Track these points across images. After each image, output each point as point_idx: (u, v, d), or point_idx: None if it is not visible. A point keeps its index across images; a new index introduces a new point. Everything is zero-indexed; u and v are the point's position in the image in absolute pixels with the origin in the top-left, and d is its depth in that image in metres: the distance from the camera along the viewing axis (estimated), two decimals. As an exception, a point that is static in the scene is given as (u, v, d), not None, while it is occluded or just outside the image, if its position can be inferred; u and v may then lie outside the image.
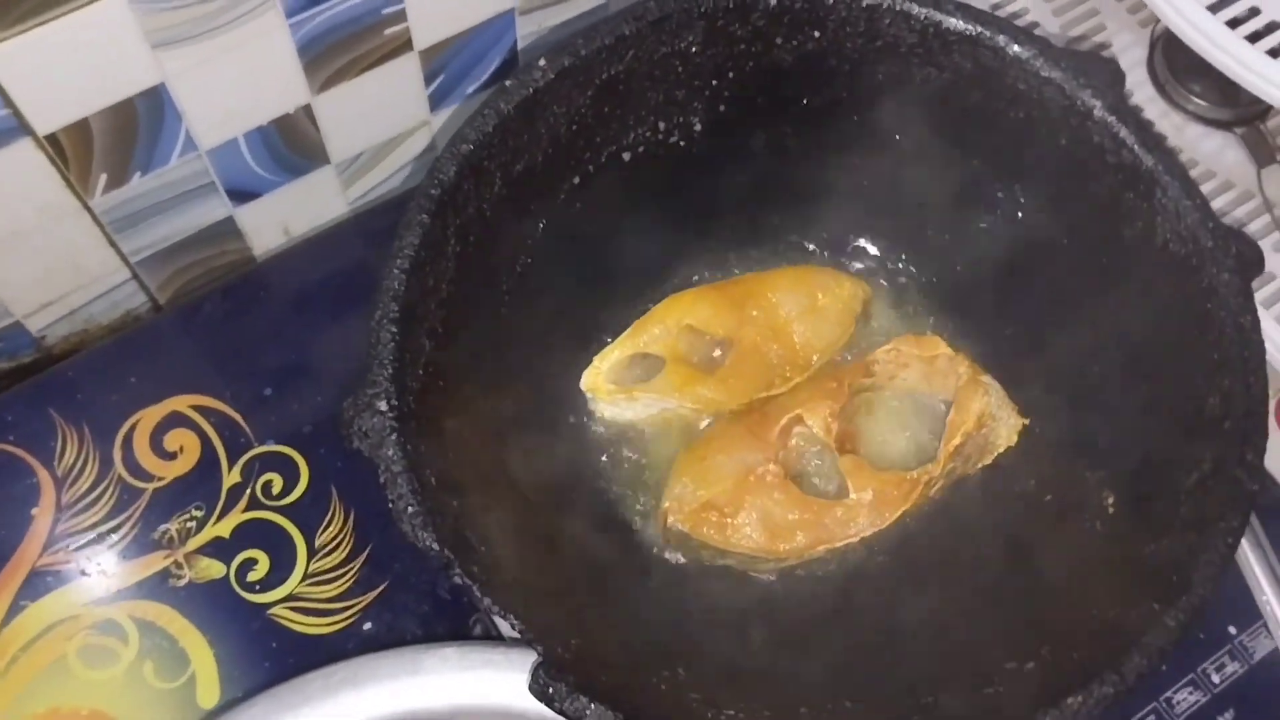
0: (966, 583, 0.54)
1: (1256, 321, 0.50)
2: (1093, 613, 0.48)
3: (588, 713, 0.43)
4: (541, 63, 0.53)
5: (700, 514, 0.53)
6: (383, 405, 0.47)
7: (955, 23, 0.55)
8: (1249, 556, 0.62)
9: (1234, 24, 0.57)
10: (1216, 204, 0.70)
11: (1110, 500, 0.52)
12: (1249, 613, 0.62)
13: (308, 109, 0.67)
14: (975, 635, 0.51)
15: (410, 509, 0.46)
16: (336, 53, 0.65)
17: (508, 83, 0.53)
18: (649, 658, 0.49)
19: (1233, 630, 0.61)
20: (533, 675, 0.44)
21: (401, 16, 0.65)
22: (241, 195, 0.71)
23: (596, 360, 0.56)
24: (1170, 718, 0.59)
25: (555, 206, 0.57)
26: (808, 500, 0.53)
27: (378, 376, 0.48)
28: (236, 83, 0.63)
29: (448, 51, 0.69)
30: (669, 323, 0.57)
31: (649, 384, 0.56)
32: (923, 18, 0.55)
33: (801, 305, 0.59)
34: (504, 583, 0.47)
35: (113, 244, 0.68)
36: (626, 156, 0.58)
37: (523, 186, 0.55)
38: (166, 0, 0.55)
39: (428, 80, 0.70)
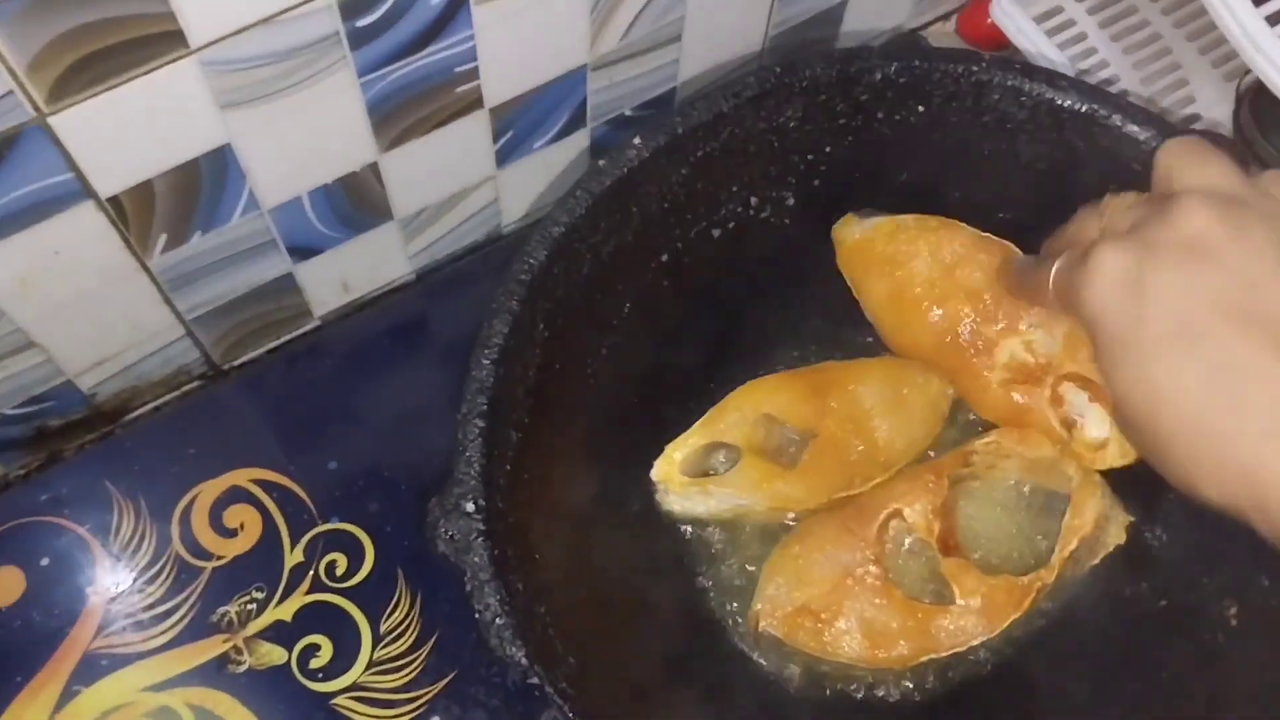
0: (1078, 690, 0.51)
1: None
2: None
3: None
4: (637, 141, 0.50)
5: (795, 618, 0.50)
6: (470, 507, 0.45)
7: (1069, 100, 0.52)
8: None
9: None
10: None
11: (1233, 611, 0.49)
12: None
13: (374, 167, 0.65)
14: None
15: (499, 621, 0.43)
16: (407, 111, 0.63)
17: (601, 162, 0.50)
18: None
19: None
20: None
21: (474, 75, 0.63)
22: (302, 252, 0.69)
23: (670, 448, 0.53)
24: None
25: (643, 286, 0.54)
26: (911, 606, 0.50)
27: (464, 474, 0.45)
28: (303, 141, 0.61)
29: (518, 109, 0.67)
30: (746, 410, 0.53)
31: (724, 477, 0.52)
32: (1034, 94, 0.53)
33: (885, 399, 0.55)
34: (590, 693, 0.44)
35: (168, 302, 0.66)
36: (716, 233, 0.56)
37: (612, 267, 0.52)
38: (240, 61, 0.53)
39: (496, 136, 0.68)
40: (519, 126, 0.68)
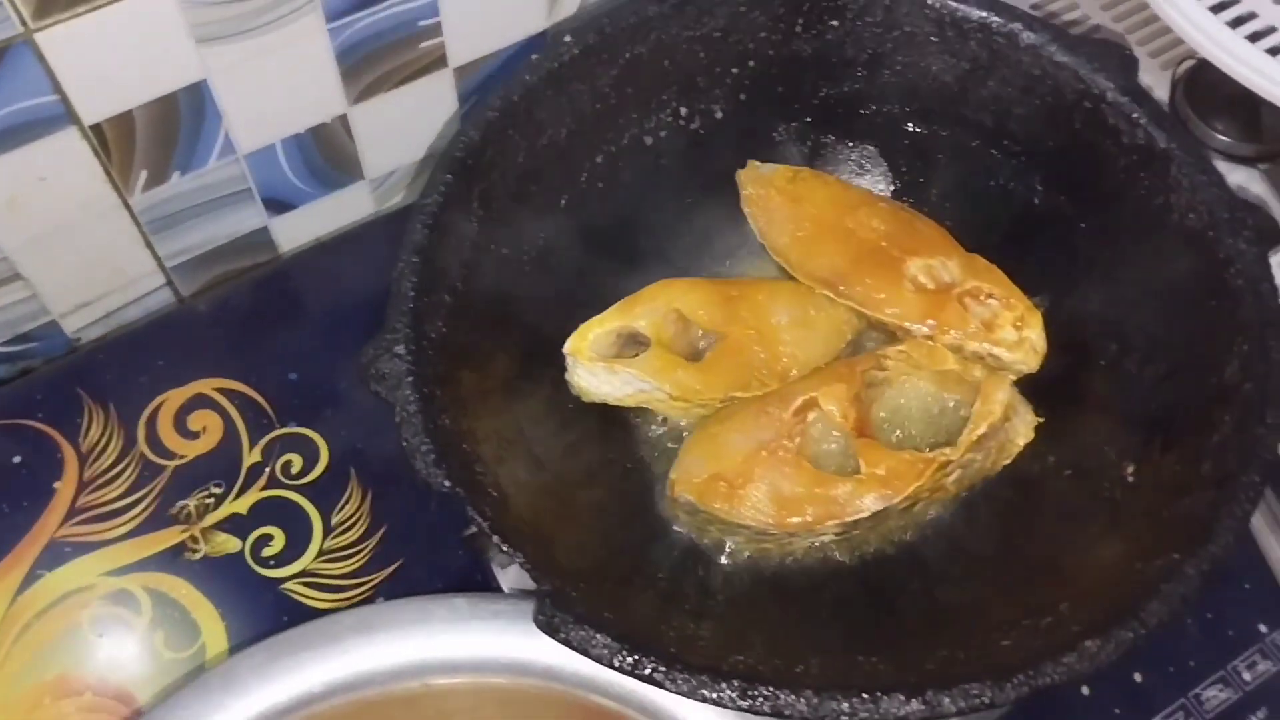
0: (985, 554, 0.53)
1: (1274, 289, 0.51)
2: (1112, 569, 0.47)
3: (593, 642, 0.42)
4: (567, 38, 0.55)
5: (708, 485, 0.53)
6: (401, 349, 0.48)
7: (971, 11, 0.57)
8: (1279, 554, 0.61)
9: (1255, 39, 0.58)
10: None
11: (1130, 470, 0.52)
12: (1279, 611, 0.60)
13: (344, 119, 0.69)
14: (993, 597, 0.50)
15: (424, 447, 0.46)
16: (374, 62, 0.67)
17: (534, 57, 0.54)
18: (658, 609, 0.49)
19: (1263, 629, 0.60)
20: (538, 606, 0.44)
21: (437, 30, 0.67)
22: (277, 205, 0.72)
23: (583, 327, 0.55)
24: (1200, 715, 0.57)
25: (577, 184, 0.58)
26: (818, 475, 0.53)
27: (397, 323, 0.49)
28: (276, 86, 0.65)
29: (480, 71, 0.71)
30: (658, 303, 0.56)
31: (629, 360, 0.55)
32: (938, 6, 0.57)
33: (792, 316, 0.58)
34: (513, 526, 0.47)
35: (150, 246, 0.70)
36: (648, 140, 0.60)
37: (546, 161, 0.56)
38: (213, -5, 0.58)
39: (461, 99, 0.72)
40: (483, 90, 0.73)
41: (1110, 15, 0.83)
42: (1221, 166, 0.75)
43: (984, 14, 0.56)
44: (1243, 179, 0.75)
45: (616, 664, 0.42)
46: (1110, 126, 0.55)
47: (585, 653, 0.43)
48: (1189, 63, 0.79)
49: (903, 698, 0.41)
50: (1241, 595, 0.61)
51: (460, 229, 0.52)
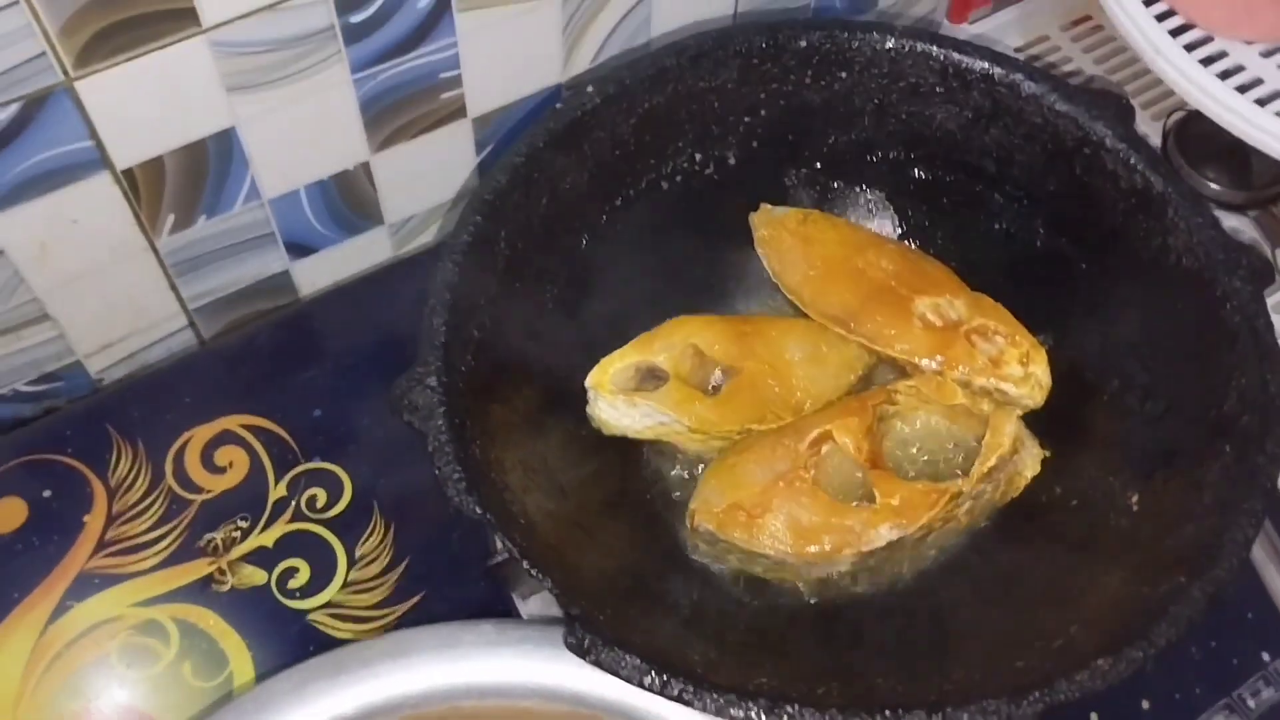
0: (995, 583, 0.55)
1: (1270, 324, 0.53)
2: (1119, 594, 0.49)
3: (623, 663, 0.44)
4: (590, 89, 0.57)
5: (728, 514, 0.55)
6: (433, 381, 0.50)
7: (974, 63, 0.60)
8: None
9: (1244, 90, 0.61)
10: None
11: (1134, 499, 0.54)
12: (1281, 641, 0.62)
13: (366, 167, 0.72)
14: (1004, 622, 0.52)
15: (456, 475, 0.48)
16: (396, 112, 0.69)
17: (558, 105, 0.57)
18: (681, 635, 0.50)
19: (1266, 657, 0.61)
20: (568, 629, 0.45)
21: (457, 82, 0.70)
22: (299, 249, 0.74)
23: (604, 361, 0.57)
24: (1207, 742, 0.59)
25: (598, 225, 0.60)
26: (835, 505, 0.55)
27: (429, 357, 0.51)
28: (302, 134, 0.67)
29: (497, 121, 0.73)
30: (675, 338, 0.58)
31: (649, 393, 0.57)
32: (942, 58, 0.60)
33: (805, 352, 0.60)
34: (540, 553, 0.49)
35: (174, 288, 0.72)
36: (665, 186, 0.62)
37: (569, 204, 0.59)
38: (246, 45, 0.60)
39: (479, 148, 0.75)
40: (499, 140, 0.75)
41: (1103, 68, 0.86)
42: (1215, 213, 0.79)
43: (986, 65, 0.59)
44: (1234, 225, 0.78)
45: (646, 684, 0.44)
46: (1109, 171, 0.58)
47: (615, 673, 0.44)
48: (1179, 114, 0.82)
49: (923, 714, 0.43)
50: (1245, 625, 0.62)
51: (488, 268, 0.54)
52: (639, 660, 0.44)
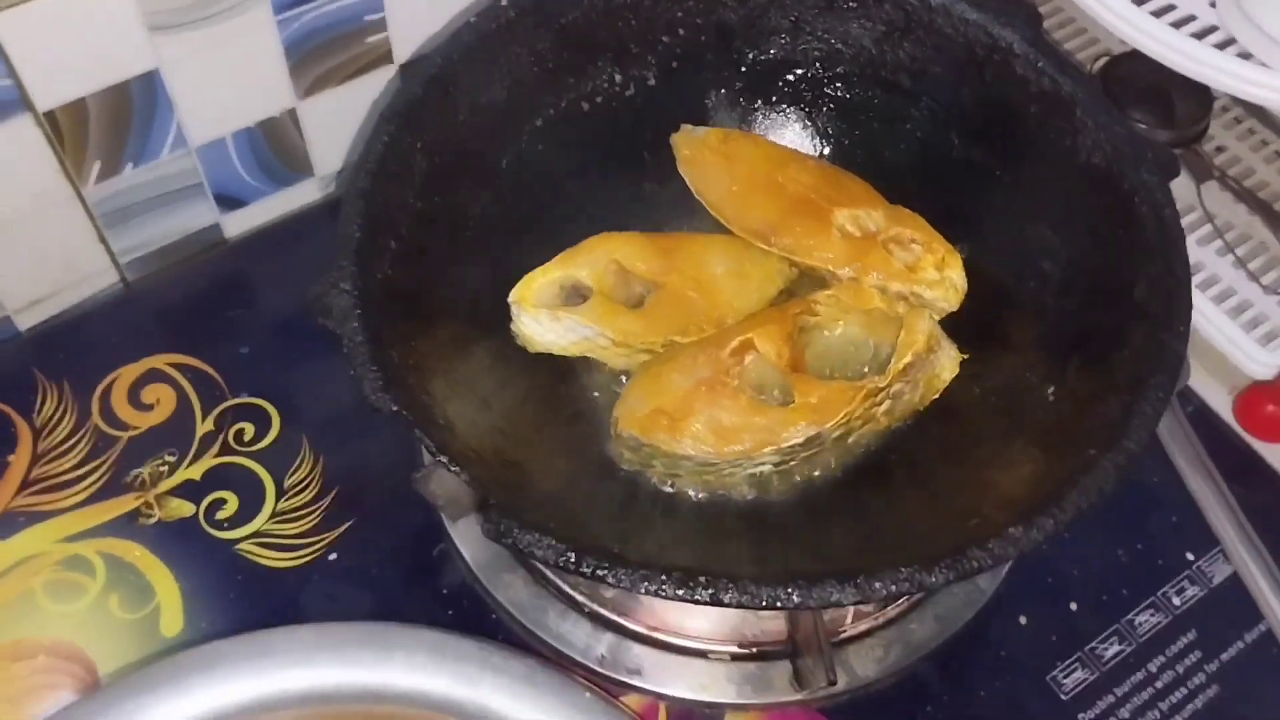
0: (915, 479, 0.55)
1: (1175, 212, 0.54)
2: (1035, 474, 0.49)
3: (539, 544, 0.44)
4: (504, 2, 0.57)
5: (650, 419, 0.55)
6: (347, 285, 0.50)
7: (900, -26, 0.60)
8: (1204, 487, 0.64)
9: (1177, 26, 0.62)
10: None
11: (1050, 391, 0.54)
12: (1206, 540, 0.62)
13: (293, 114, 0.72)
14: (922, 510, 0.52)
15: (372, 373, 0.48)
16: (321, 56, 0.69)
17: (472, 19, 0.57)
18: (606, 532, 0.50)
19: (1190, 556, 0.62)
20: (485, 517, 0.45)
21: (382, 26, 0.70)
22: (229, 201, 0.74)
23: (527, 277, 0.57)
24: (1133, 639, 0.60)
25: (520, 145, 0.60)
26: (755, 405, 0.55)
27: (343, 261, 0.50)
28: (227, 78, 0.67)
29: (425, 69, 0.73)
30: (598, 254, 0.58)
31: (572, 308, 0.57)
32: (861, -31, 0.61)
33: (728, 266, 0.60)
34: (460, 453, 0.48)
35: (103, 240, 0.71)
36: (586, 106, 0.62)
37: (488, 121, 0.59)
38: (164, -20, 0.60)
39: (408, 97, 0.75)
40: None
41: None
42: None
43: (909, -11, 0.60)
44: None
45: (561, 563, 0.44)
46: (1019, 77, 0.58)
47: (531, 554, 0.44)
48: (1105, 58, 0.83)
49: (835, 581, 0.43)
50: (1170, 526, 0.63)
51: (404, 179, 0.54)
52: (554, 541, 0.44)
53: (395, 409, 0.47)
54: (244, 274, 0.72)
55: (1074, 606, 0.60)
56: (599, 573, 0.44)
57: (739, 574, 0.44)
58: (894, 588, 0.44)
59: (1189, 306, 0.51)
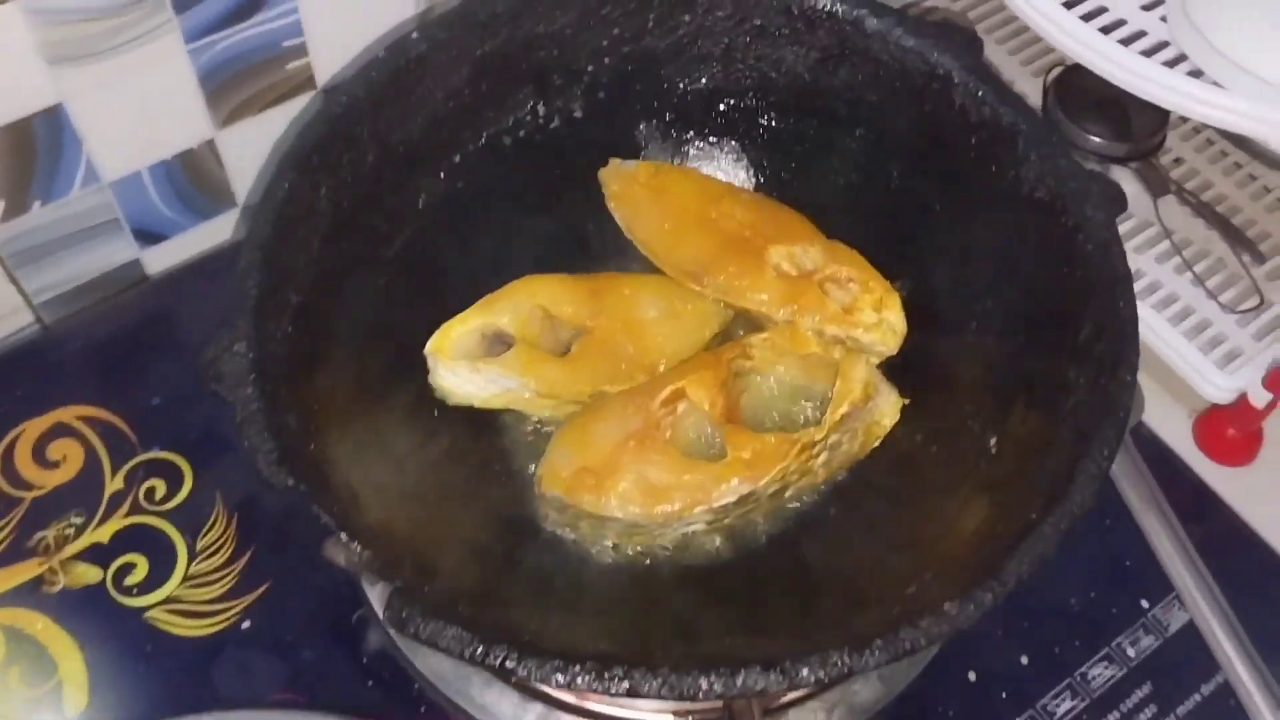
0: (856, 536, 0.53)
1: (1122, 251, 0.51)
2: (975, 536, 0.47)
3: (443, 634, 0.41)
4: (414, 34, 0.54)
5: (576, 478, 0.52)
6: (241, 347, 0.46)
7: (815, 1, 0.57)
8: (1158, 530, 0.61)
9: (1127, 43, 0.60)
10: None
11: (993, 441, 0.52)
12: (1161, 586, 0.60)
13: (212, 144, 0.68)
14: (861, 575, 0.50)
15: (267, 446, 0.45)
16: (239, 85, 0.66)
17: (381, 53, 0.54)
18: (526, 609, 0.47)
19: (1145, 604, 0.60)
20: (388, 602, 0.42)
21: (302, 51, 0.67)
22: (148, 236, 0.71)
23: (445, 326, 0.54)
24: (1086, 693, 0.57)
25: (436, 183, 0.57)
26: (686, 462, 0.52)
27: (239, 321, 0.47)
28: (138, 110, 0.64)
29: (352, 92, 0.70)
30: (520, 299, 0.56)
31: (492, 359, 0.54)
32: (791, -4, 0.58)
33: (660, 309, 0.58)
34: (366, 526, 0.45)
35: (14, 280, 0.68)
36: (508, 140, 0.59)
37: (401, 160, 0.55)
38: (65, 12, 0.57)
39: (333, 123, 0.72)
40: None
41: (982, 26, 0.84)
42: (1096, 167, 0.77)
43: (830, 2, 0.57)
44: (1116, 178, 0.76)
45: (467, 655, 0.41)
46: (958, 106, 0.56)
47: (435, 646, 0.41)
48: (1059, 68, 0.81)
49: (760, 669, 0.40)
50: (1123, 573, 0.61)
51: (308, 227, 0.51)
52: (461, 631, 0.41)
53: (291, 483, 0.44)
54: (165, 313, 0.69)
55: (1025, 660, 0.58)
56: (507, 665, 0.41)
57: (659, 661, 0.41)
58: (822, 673, 0.41)
59: (1136, 352, 0.48)
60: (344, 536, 0.44)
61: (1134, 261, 0.68)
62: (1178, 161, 0.77)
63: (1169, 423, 0.68)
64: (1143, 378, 0.66)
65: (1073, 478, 0.45)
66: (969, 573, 0.44)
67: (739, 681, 0.40)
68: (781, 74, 0.60)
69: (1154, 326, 0.67)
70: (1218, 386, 0.65)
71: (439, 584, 0.45)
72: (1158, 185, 0.75)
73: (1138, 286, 0.67)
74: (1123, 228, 0.72)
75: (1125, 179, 0.76)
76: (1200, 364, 0.66)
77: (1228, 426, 0.68)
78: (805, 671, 0.41)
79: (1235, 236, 0.72)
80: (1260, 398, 0.64)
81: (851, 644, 0.41)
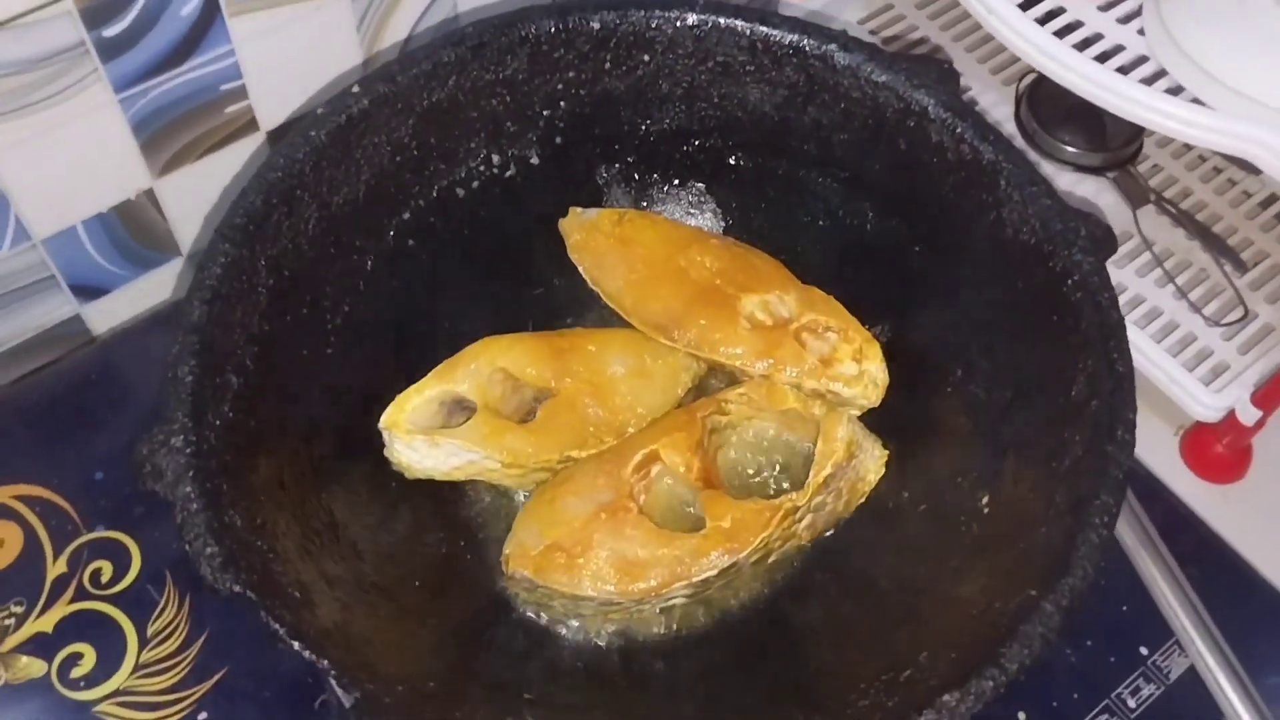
0: (846, 604, 0.50)
1: (1114, 299, 0.49)
2: (971, 610, 0.44)
3: (406, 755, 0.38)
4: (355, 89, 0.51)
5: (545, 557, 0.49)
6: (178, 441, 0.43)
7: (783, 35, 0.55)
8: (1155, 574, 0.59)
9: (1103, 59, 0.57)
10: (1097, 244, 0.70)
11: (985, 500, 0.49)
12: (1160, 632, 0.58)
13: (151, 194, 0.65)
14: (854, 652, 0.47)
15: (209, 549, 0.42)
16: (176, 132, 0.63)
17: (319, 110, 0.51)
18: (498, 702, 0.45)
19: (1145, 651, 0.58)
20: (342, 717, 0.39)
21: (242, 94, 0.64)
22: (88, 291, 0.68)
23: (400, 398, 0.52)
24: (1088, 749, 0.55)
25: (384, 243, 0.54)
26: (662, 534, 0.49)
27: (175, 413, 0.44)
28: (69, 163, 0.61)
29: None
30: (480, 363, 0.53)
31: (451, 430, 0.52)
32: (749, 33, 0.55)
33: (629, 366, 0.55)
34: (321, 628, 0.42)
35: (-57, 348, 0.65)
36: (461, 192, 0.56)
37: (345, 221, 0.52)
38: (-22, 68, 0.54)
39: (281, 164, 0.68)
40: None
41: (950, 34, 0.82)
42: (1071, 177, 0.75)
43: (796, 37, 0.54)
44: (1093, 189, 0.75)
45: (433, 774, 0.38)
46: (935, 143, 0.53)
47: (399, 765, 0.38)
48: (1031, 77, 0.79)
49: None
50: (1120, 619, 0.59)
51: (247, 302, 0.48)
52: (425, 749, 0.38)
53: (238, 589, 0.41)
54: (109, 377, 0.65)
55: (1023, 717, 0.56)
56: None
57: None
58: (816, 778, 0.38)
59: (1134, 409, 0.46)
60: (299, 646, 0.41)
61: (1115, 276, 0.67)
62: (1156, 169, 0.75)
63: (1151, 441, 0.66)
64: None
65: (1072, 552, 0.43)
66: (967, 653, 0.42)
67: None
68: (748, 113, 0.57)
69: (1138, 344, 0.65)
70: (1206, 406, 0.64)
71: (403, 689, 0.42)
72: (1136, 195, 0.73)
73: (1119, 301, 0.66)
74: (1102, 240, 0.70)
75: (1103, 189, 0.75)
76: (1188, 382, 0.64)
77: (1216, 443, 0.67)
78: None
79: (1217, 245, 0.70)
80: (1249, 415, 0.63)
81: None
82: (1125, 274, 0.69)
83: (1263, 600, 0.60)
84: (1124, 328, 0.48)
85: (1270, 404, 0.62)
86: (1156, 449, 0.66)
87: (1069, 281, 0.49)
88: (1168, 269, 0.69)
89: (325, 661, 0.41)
